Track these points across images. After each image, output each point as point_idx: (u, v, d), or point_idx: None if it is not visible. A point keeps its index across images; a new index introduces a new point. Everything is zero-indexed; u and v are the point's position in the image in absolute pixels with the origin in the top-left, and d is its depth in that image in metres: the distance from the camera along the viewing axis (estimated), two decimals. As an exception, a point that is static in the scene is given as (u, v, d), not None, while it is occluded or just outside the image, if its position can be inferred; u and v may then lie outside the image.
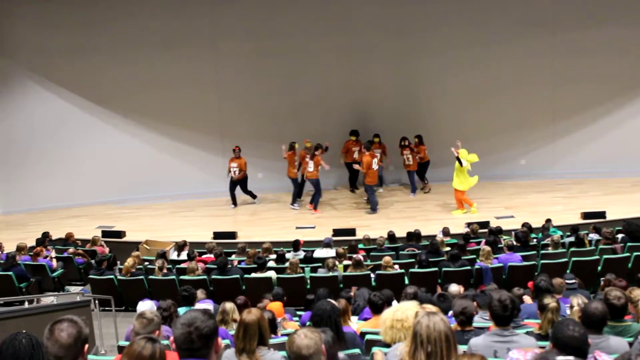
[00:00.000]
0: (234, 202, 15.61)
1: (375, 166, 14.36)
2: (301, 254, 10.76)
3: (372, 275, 9.41)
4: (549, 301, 5.20)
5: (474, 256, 10.01)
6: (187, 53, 15.96)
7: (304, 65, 16.22)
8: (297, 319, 7.17)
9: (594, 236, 10.98)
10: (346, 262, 9.99)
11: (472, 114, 16.55)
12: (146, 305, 6.31)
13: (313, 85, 16.38)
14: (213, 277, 9.51)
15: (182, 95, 16.13)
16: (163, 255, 10.43)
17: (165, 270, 9.72)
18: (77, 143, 16.10)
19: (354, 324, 6.21)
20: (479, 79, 16.35)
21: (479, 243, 10.91)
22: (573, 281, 7.33)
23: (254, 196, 15.76)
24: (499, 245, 10.43)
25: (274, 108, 16.53)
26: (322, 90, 16.38)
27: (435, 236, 11.50)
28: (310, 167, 14.68)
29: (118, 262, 10.80)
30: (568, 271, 8.84)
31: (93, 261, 10.49)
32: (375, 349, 4.52)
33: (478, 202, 14.60)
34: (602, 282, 7.19)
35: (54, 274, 10.62)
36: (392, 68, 16.40)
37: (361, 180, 15.51)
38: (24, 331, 3.20)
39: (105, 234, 13.25)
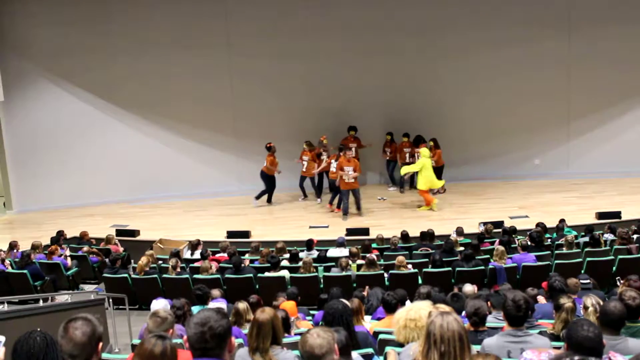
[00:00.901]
0: (304, 194, 15.81)
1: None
2: (314, 254, 10.76)
3: (386, 275, 9.40)
4: (565, 301, 5.19)
5: (488, 256, 9.98)
6: (201, 51, 15.95)
7: (320, 65, 16.22)
8: (310, 318, 7.16)
9: (608, 236, 10.90)
10: (359, 261, 9.99)
11: (487, 114, 16.59)
12: (160, 304, 6.30)
13: (328, 85, 16.37)
14: (227, 276, 9.52)
15: (196, 93, 16.15)
16: (177, 254, 10.43)
17: (178, 269, 9.72)
18: (91, 141, 16.14)
19: (367, 324, 6.19)
20: (493, 81, 16.34)
21: (493, 243, 10.91)
22: (587, 281, 7.29)
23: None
24: (513, 245, 10.41)
25: (289, 107, 16.53)
26: (338, 90, 16.37)
27: (449, 236, 11.52)
28: (333, 167, 14.59)
29: (132, 261, 10.82)
30: (582, 271, 8.83)
31: (107, 260, 10.52)
32: (388, 349, 4.50)
33: (492, 202, 14.66)
34: (620, 282, 7.13)
35: (69, 273, 10.67)
36: (410, 69, 16.40)
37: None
38: (38, 329, 3.20)
39: (120, 232, 13.29)
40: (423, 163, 14.33)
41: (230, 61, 16.27)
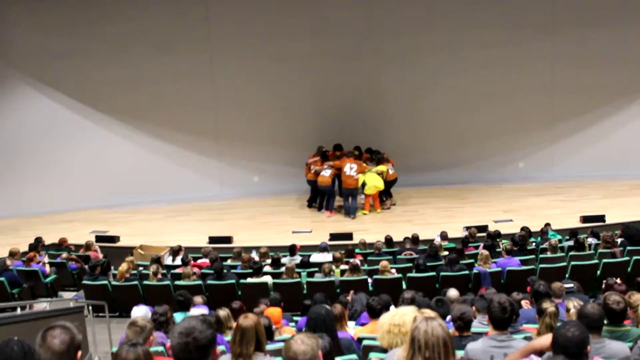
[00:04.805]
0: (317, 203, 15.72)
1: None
2: (297, 259, 10.76)
3: (370, 280, 9.40)
4: (547, 305, 5.19)
5: (472, 260, 10.02)
6: (182, 54, 15.97)
7: (302, 68, 16.27)
8: (293, 324, 7.16)
9: (592, 240, 10.99)
10: (343, 266, 10.00)
11: (470, 117, 16.68)
12: (140, 311, 6.25)
13: (310, 88, 16.45)
14: (208, 282, 9.49)
15: (178, 97, 16.16)
16: (158, 260, 10.37)
17: (159, 276, 9.65)
18: (70, 146, 16.06)
19: (351, 329, 6.19)
20: (477, 82, 16.42)
21: (477, 247, 10.96)
22: (571, 285, 7.31)
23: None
24: (497, 250, 10.47)
25: (270, 110, 16.57)
26: (319, 93, 16.45)
27: (433, 240, 11.61)
28: (327, 172, 14.74)
29: (112, 268, 10.76)
30: (567, 276, 8.92)
31: (87, 266, 10.43)
32: (372, 355, 4.50)
33: (477, 206, 14.96)
34: (603, 286, 7.21)
35: (47, 280, 10.55)
36: (391, 71, 16.42)
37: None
38: (15, 338, 3.17)
39: (99, 238, 13.22)
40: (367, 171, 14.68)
41: (212, 64, 16.27)
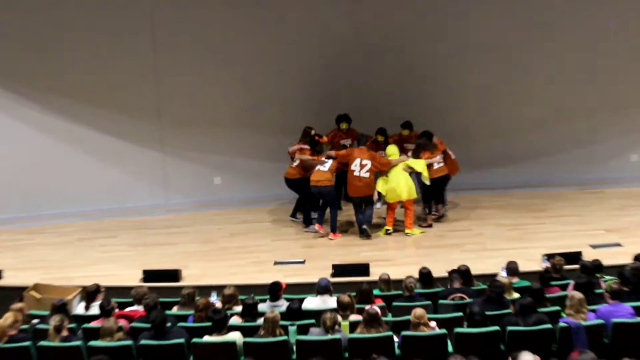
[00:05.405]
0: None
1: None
2: (282, 305, 10.67)
3: (396, 339, 9.32)
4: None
5: (558, 308, 9.98)
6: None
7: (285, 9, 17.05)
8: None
9: None
10: (354, 317, 9.96)
11: (548, 86, 17.25)
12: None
13: (298, 35, 17.17)
14: (143, 342, 9.37)
15: (105, 70, 16.57)
16: (63, 307, 10.22)
17: (65, 333, 9.51)
18: None
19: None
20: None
21: (564, 287, 10.95)
22: None
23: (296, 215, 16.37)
24: (597, 291, 10.43)
25: (236, 77, 17.13)
26: (316, 45, 17.21)
27: (495, 275, 11.66)
28: (325, 166, 14.98)
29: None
30: None
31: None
32: None
33: (563, 222, 15.10)
34: None
35: None
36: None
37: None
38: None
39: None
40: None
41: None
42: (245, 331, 9.65)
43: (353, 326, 9.69)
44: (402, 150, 15.89)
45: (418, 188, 15.36)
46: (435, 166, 15.19)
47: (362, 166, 14.67)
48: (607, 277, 11.23)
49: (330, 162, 14.92)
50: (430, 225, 15.39)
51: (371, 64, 17.10)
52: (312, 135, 15.50)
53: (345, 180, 15.31)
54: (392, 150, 15.33)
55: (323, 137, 15.66)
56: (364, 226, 14.85)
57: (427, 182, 15.10)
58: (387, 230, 15.02)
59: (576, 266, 11.83)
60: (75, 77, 16.49)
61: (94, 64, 16.46)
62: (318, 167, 14.90)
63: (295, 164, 15.27)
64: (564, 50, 16.95)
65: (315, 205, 15.52)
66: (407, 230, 15.04)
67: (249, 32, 16.93)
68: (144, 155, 17.03)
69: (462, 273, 11.49)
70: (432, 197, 15.49)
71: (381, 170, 14.85)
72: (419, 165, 14.96)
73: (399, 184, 14.71)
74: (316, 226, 15.28)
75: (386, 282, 11.70)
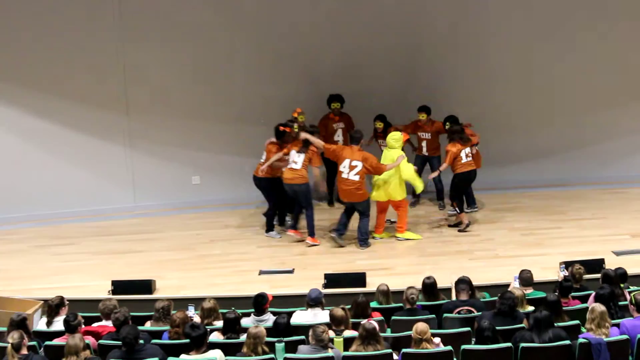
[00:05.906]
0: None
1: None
2: (269, 320, 10.49)
3: (396, 357, 9.16)
4: None
5: (577, 322, 9.83)
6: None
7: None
8: None
9: None
10: (349, 333, 9.73)
11: (569, 74, 16.94)
12: None
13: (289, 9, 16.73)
14: (112, 361, 9.17)
15: (68, 58, 16.12)
16: (22, 323, 9.91)
17: (25, 351, 9.07)
18: None
19: None
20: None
21: (585, 298, 10.91)
22: None
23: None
24: (621, 303, 10.35)
25: (217, 60, 16.76)
26: (311, 24, 16.79)
27: (507, 286, 11.61)
28: (298, 164, 14.59)
29: None
30: None
31: None
32: None
33: (583, 226, 14.97)
34: None
35: None
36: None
37: None
38: None
39: None
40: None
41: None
42: (227, 349, 9.48)
43: (347, 343, 9.47)
44: (417, 139, 16.08)
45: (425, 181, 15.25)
46: (464, 160, 14.95)
47: (351, 168, 14.14)
48: (633, 288, 11.12)
49: (302, 157, 14.52)
50: (468, 225, 15.10)
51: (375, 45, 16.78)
52: (276, 127, 15.22)
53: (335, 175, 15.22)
54: (396, 136, 14.53)
55: (287, 127, 15.29)
56: (334, 234, 14.57)
57: (418, 191, 15.31)
58: (375, 237, 14.82)
59: (598, 275, 11.58)
60: (26, 61, 15.99)
61: (46, 42, 15.96)
62: (290, 165, 14.67)
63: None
64: (585, 40, 16.66)
65: (291, 207, 15.32)
66: (397, 234, 14.80)
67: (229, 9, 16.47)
68: (108, 150, 16.64)
69: (470, 284, 11.25)
70: (459, 195, 15.22)
71: (373, 174, 14.44)
72: (408, 172, 14.51)
73: (389, 180, 14.34)
74: (290, 231, 14.96)
75: (385, 294, 11.51)
